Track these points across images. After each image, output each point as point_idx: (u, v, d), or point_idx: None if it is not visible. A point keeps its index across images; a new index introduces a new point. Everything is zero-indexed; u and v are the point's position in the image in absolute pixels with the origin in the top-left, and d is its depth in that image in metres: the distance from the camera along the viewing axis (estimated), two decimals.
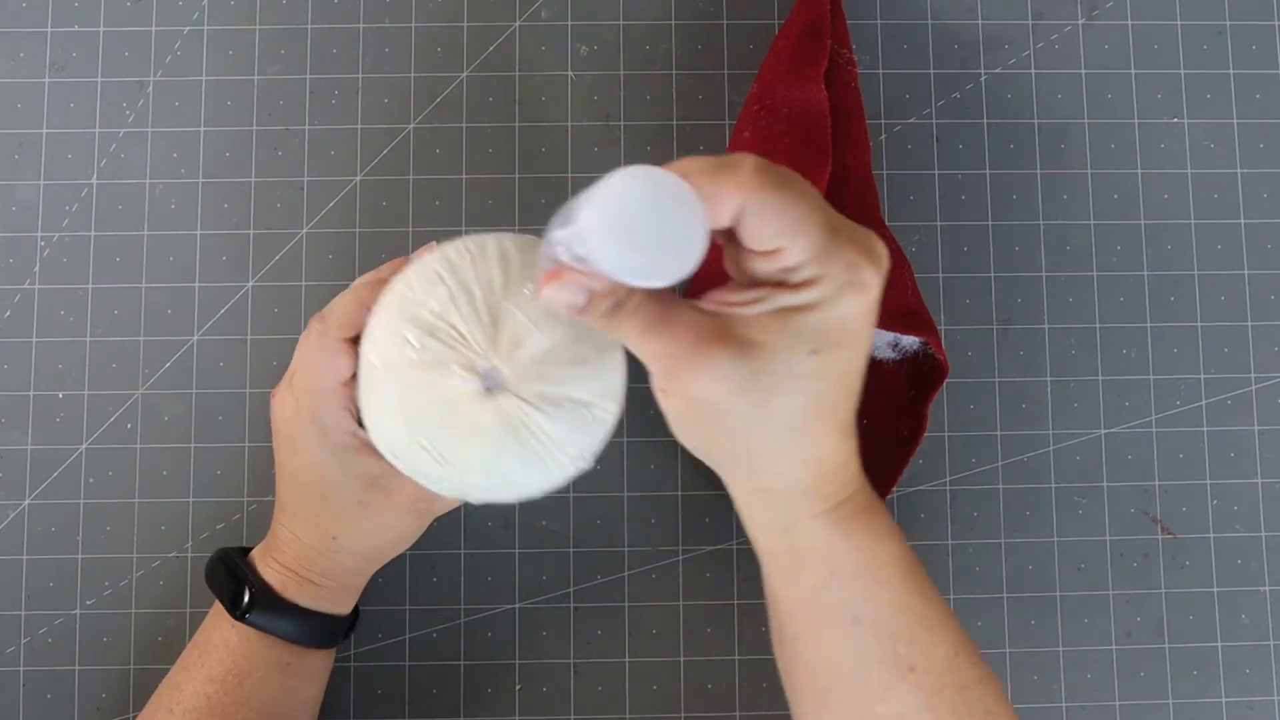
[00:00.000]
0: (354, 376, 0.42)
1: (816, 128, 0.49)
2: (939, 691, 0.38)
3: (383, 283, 0.41)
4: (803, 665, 0.40)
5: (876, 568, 0.38)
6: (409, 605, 0.53)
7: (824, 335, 0.33)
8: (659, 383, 0.35)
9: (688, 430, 0.37)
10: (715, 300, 0.35)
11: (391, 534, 0.45)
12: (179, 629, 0.53)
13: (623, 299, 0.34)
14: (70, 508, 0.53)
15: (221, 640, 0.45)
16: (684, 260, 0.32)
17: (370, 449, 0.42)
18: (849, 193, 0.50)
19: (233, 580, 0.45)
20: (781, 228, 0.32)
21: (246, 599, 0.44)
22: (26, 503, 0.53)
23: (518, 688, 0.53)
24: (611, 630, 0.53)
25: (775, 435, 0.35)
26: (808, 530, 0.37)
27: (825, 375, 0.34)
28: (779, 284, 0.34)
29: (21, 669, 0.53)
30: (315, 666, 0.47)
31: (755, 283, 0.34)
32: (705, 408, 0.34)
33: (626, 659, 0.53)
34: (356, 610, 0.49)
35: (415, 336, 0.38)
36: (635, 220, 0.32)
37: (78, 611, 0.53)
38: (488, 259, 0.39)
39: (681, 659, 0.53)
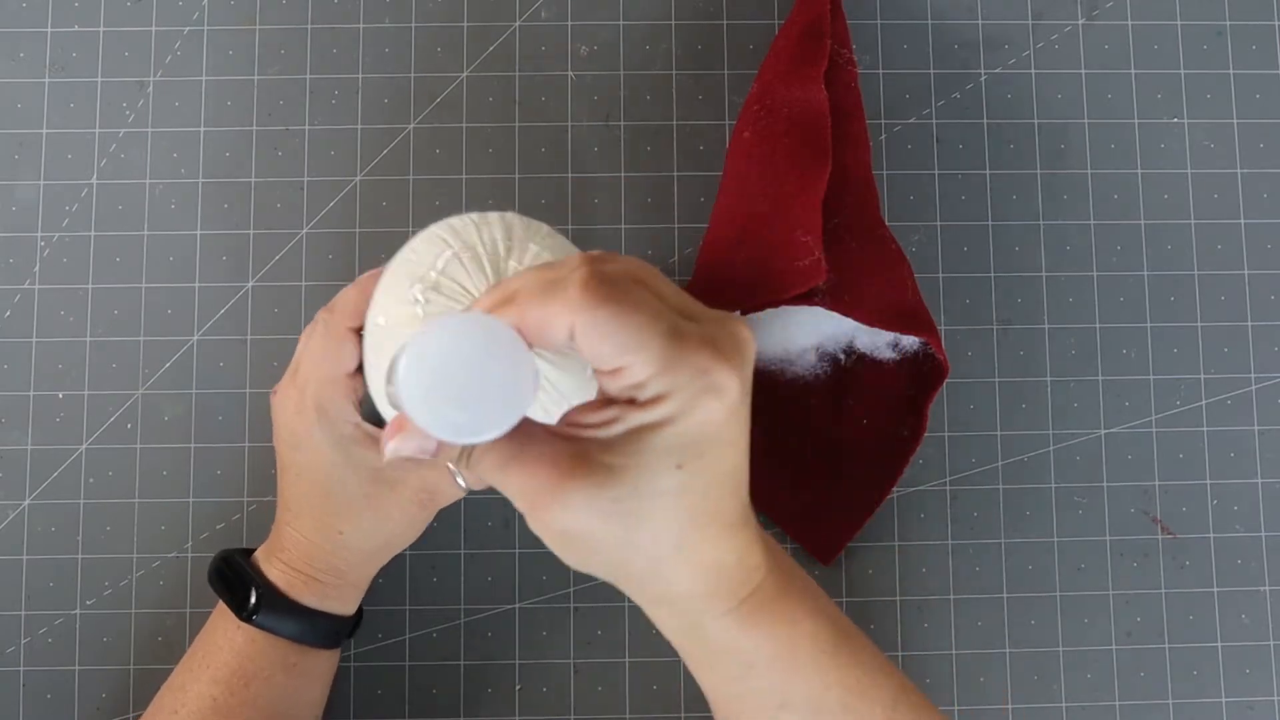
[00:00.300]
0: (359, 369, 0.42)
1: (816, 127, 0.49)
2: None
3: None
4: None
5: (794, 653, 0.37)
6: (409, 605, 0.53)
7: (685, 448, 0.31)
8: (527, 518, 0.33)
9: (567, 556, 0.34)
10: (572, 423, 0.32)
11: (396, 527, 0.45)
12: (179, 629, 0.53)
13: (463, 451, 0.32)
14: (70, 508, 0.53)
15: (227, 641, 0.45)
16: (509, 410, 0.29)
17: (374, 441, 0.42)
18: (849, 193, 0.50)
19: (237, 582, 0.45)
20: (619, 344, 0.30)
21: (253, 600, 0.44)
22: (26, 503, 0.53)
23: (518, 688, 0.53)
24: (611, 630, 0.53)
25: (656, 554, 0.33)
26: (714, 630, 0.36)
27: (694, 487, 0.32)
28: (630, 401, 0.31)
29: (21, 669, 0.53)
30: (320, 667, 0.47)
31: (609, 401, 0.32)
32: (576, 539, 0.32)
33: (626, 659, 0.53)
34: (361, 609, 0.49)
35: (420, 292, 0.38)
36: (449, 377, 0.29)
37: (78, 611, 0.53)
38: (490, 224, 0.40)
39: (681, 659, 0.53)
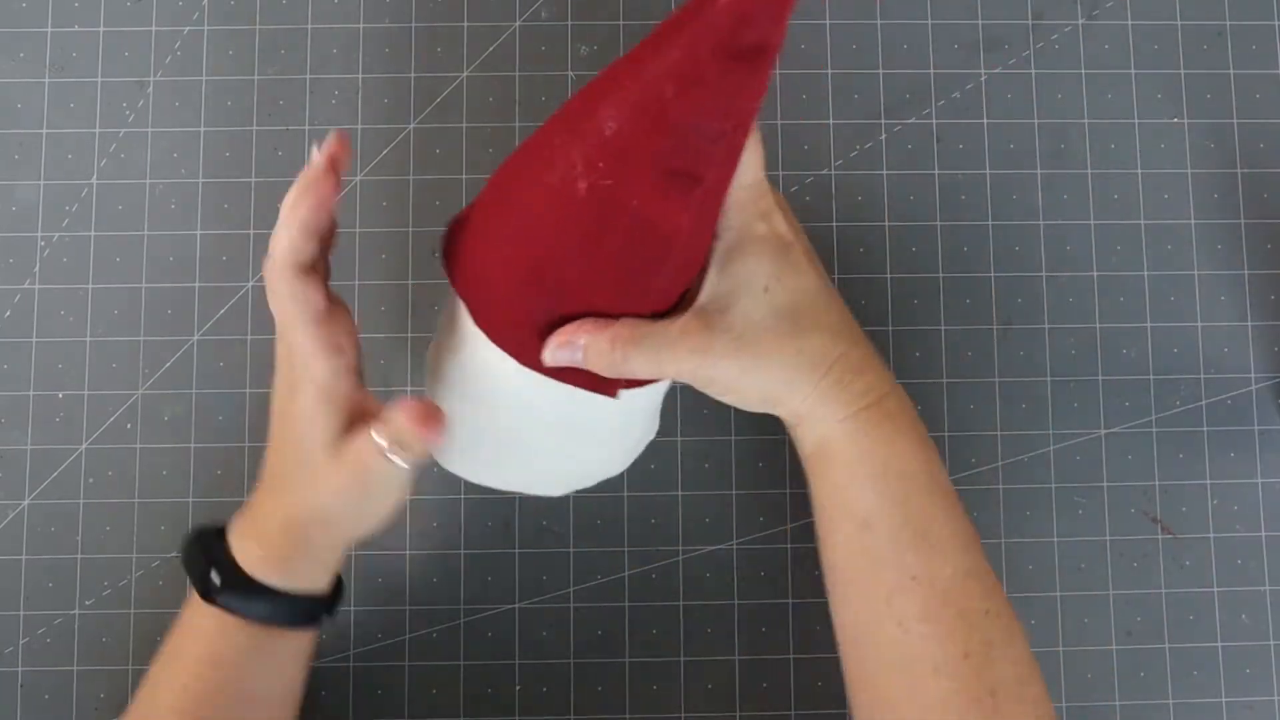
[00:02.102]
0: (329, 308, 0.40)
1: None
2: (940, 607, 0.40)
3: (309, 192, 0.39)
4: (827, 565, 0.43)
5: (891, 476, 0.41)
6: (409, 605, 0.53)
7: (764, 274, 0.39)
8: (704, 381, 0.40)
9: (736, 402, 0.41)
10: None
11: (362, 497, 0.42)
12: None
13: (604, 347, 0.38)
14: (70, 508, 0.53)
15: (197, 625, 0.44)
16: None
17: (353, 378, 0.41)
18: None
19: (204, 560, 0.43)
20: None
21: (216, 580, 0.43)
22: (26, 503, 0.53)
23: (518, 688, 0.53)
24: (611, 630, 0.53)
25: (774, 366, 0.40)
26: (836, 435, 0.41)
27: (782, 298, 0.39)
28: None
29: (20, 669, 0.53)
30: (292, 647, 0.45)
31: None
32: (725, 380, 0.40)
33: (626, 659, 0.53)
34: (340, 587, 0.47)
35: None
36: None
37: (77, 611, 0.53)
38: None
39: (682, 659, 0.53)
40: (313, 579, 0.44)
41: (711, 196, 0.37)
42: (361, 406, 0.41)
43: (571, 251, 0.37)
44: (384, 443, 0.40)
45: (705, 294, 0.39)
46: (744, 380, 0.40)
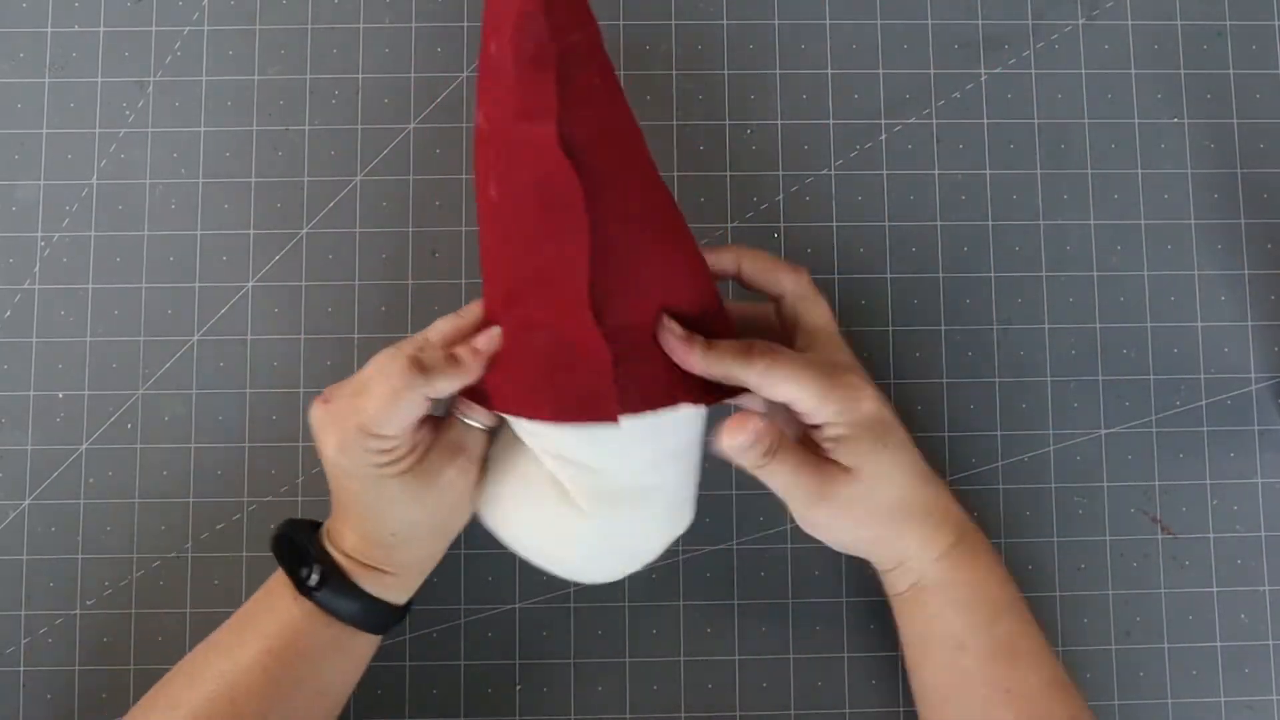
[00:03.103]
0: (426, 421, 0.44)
1: (565, 186, 0.40)
2: (1032, 714, 0.44)
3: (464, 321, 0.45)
4: (921, 687, 0.47)
5: (981, 602, 0.45)
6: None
7: (881, 433, 0.44)
8: (806, 516, 0.45)
9: (833, 541, 0.47)
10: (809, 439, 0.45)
11: (446, 509, 0.45)
12: (179, 629, 0.53)
13: (772, 446, 0.43)
14: (70, 508, 0.53)
15: (284, 612, 0.45)
16: None
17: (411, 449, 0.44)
18: (621, 237, 0.42)
19: (300, 556, 0.46)
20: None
21: (316, 578, 0.45)
22: (26, 503, 0.53)
23: (518, 688, 0.53)
24: (611, 630, 0.53)
25: (889, 522, 0.45)
26: (930, 573, 0.46)
27: (899, 453, 0.45)
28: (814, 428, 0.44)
29: (21, 669, 0.53)
30: (363, 649, 0.47)
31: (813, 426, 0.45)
32: (842, 526, 0.45)
33: (626, 659, 0.53)
34: (411, 601, 0.49)
35: None
36: None
37: (77, 611, 0.53)
38: None
39: (681, 659, 0.53)
40: (402, 590, 0.47)
41: (575, 87, 0.40)
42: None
43: (507, 229, 0.42)
44: (461, 415, 0.44)
45: (842, 453, 0.44)
46: (853, 530, 0.46)
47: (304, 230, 0.55)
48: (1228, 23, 0.57)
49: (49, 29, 0.56)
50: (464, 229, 0.55)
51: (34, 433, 0.54)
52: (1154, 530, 0.54)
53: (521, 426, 0.44)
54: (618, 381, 0.41)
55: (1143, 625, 0.54)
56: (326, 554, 0.45)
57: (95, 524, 0.53)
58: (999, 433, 0.55)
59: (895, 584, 0.47)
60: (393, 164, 0.55)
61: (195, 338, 0.54)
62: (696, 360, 0.42)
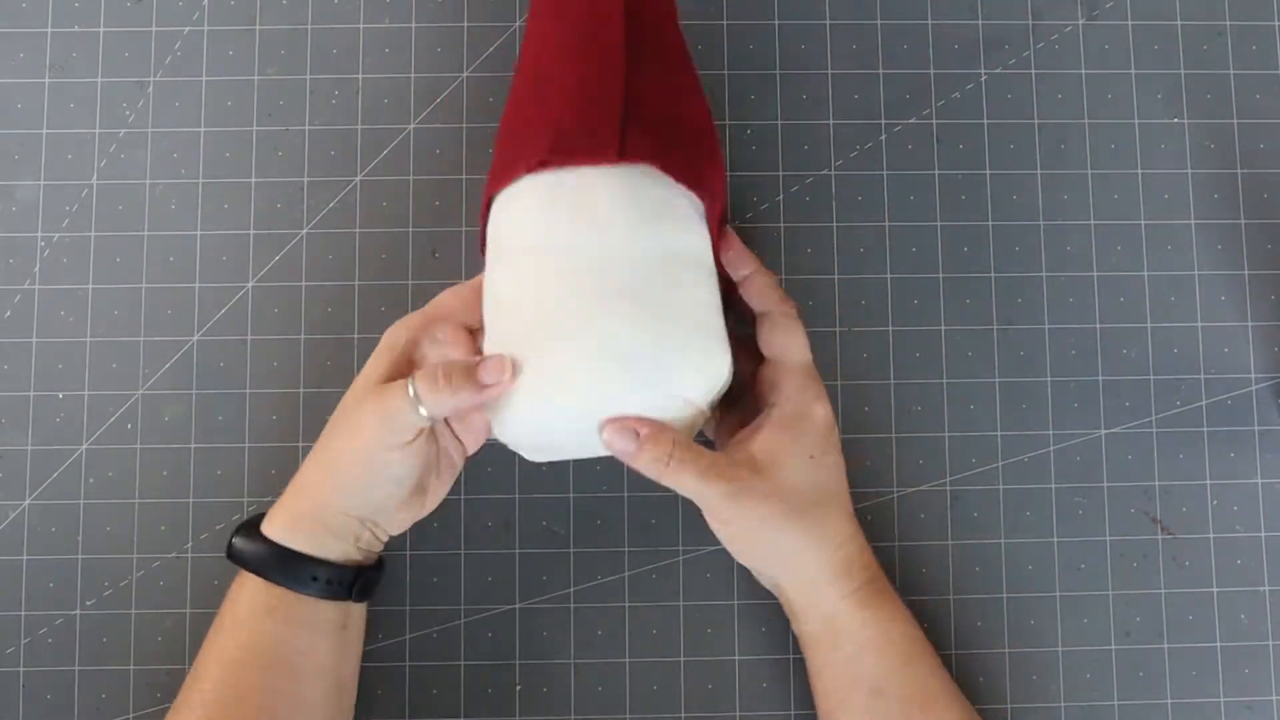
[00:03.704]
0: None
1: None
2: None
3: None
4: None
5: (893, 644, 0.46)
6: (409, 605, 0.53)
7: (812, 443, 0.46)
8: (719, 515, 0.45)
9: (747, 550, 0.48)
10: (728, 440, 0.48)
11: (377, 446, 0.45)
12: (179, 629, 0.53)
13: (671, 452, 0.43)
14: (70, 508, 0.53)
15: (232, 593, 0.47)
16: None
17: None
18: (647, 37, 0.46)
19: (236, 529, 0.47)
20: (805, 350, 0.48)
21: (239, 544, 0.46)
22: (26, 503, 0.53)
23: (518, 688, 0.53)
24: (611, 630, 0.53)
25: (806, 528, 0.45)
26: (843, 610, 0.46)
27: (824, 472, 0.46)
28: (765, 410, 0.47)
29: (21, 669, 0.53)
30: (305, 616, 0.46)
31: (739, 423, 0.48)
32: (754, 527, 0.45)
33: (626, 659, 0.53)
34: (378, 569, 0.49)
35: None
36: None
37: (78, 612, 0.53)
38: None
39: (681, 659, 0.53)
40: (325, 545, 0.46)
41: None
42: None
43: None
44: (413, 388, 0.44)
45: (758, 446, 0.45)
46: (765, 530, 0.45)
47: (304, 230, 0.55)
48: (1228, 23, 0.57)
49: (49, 29, 0.56)
50: (464, 229, 0.55)
51: (34, 433, 0.54)
52: (1154, 530, 0.54)
53: (516, 231, 0.44)
54: (624, 122, 0.42)
55: (1142, 625, 0.54)
56: (256, 523, 0.47)
57: (95, 524, 0.53)
58: (999, 433, 0.55)
59: (803, 619, 0.47)
60: (393, 164, 0.55)
61: (195, 338, 0.54)
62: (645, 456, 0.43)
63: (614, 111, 0.42)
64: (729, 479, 0.44)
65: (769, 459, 0.45)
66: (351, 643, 0.48)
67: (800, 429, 0.46)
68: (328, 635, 0.47)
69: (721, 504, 0.44)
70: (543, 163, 0.43)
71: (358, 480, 0.45)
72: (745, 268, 0.48)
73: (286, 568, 0.46)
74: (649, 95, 0.44)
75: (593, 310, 0.42)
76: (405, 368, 0.46)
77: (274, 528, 0.46)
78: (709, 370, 0.43)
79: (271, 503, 0.47)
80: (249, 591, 0.46)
